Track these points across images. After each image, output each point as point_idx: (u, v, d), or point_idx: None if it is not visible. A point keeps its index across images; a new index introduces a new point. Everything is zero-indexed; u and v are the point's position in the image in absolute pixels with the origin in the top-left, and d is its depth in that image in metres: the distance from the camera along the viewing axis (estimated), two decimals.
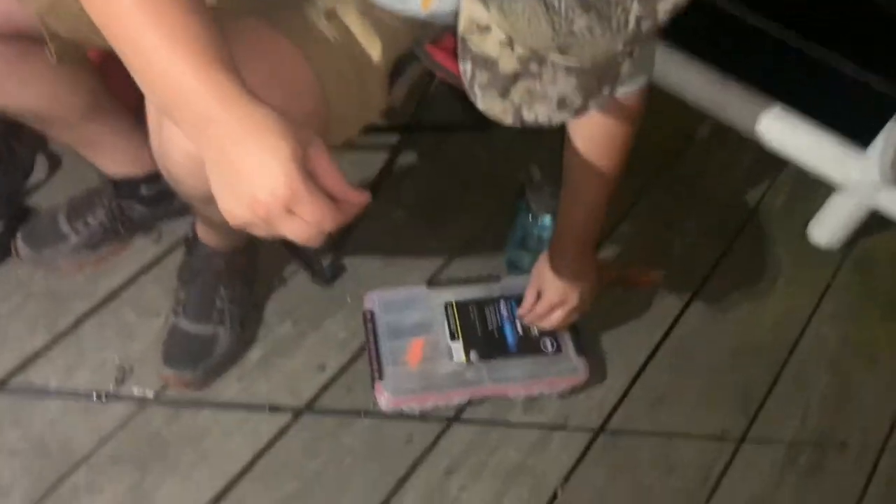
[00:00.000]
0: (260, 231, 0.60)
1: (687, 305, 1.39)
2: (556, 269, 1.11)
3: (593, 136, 0.96)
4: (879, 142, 1.31)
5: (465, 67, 0.67)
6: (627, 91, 0.90)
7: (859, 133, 1.36)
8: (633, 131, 0.96)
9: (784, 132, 1.38)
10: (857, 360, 1.39)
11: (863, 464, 1.28)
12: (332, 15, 0.82)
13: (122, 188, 1.21)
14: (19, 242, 1.22)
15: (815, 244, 1.52)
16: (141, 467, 1.09)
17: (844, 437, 1.29)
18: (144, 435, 1.12)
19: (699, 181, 1.57)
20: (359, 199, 0.61)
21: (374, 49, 0.84)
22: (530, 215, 1.25)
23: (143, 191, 1.22)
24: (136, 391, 1.14)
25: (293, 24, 0.76)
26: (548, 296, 1.14)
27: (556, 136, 1.00)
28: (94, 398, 1.09)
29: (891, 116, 1.30)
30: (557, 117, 0.69)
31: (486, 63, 0.65)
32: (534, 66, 0.64)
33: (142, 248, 1.29)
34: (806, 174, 1.43)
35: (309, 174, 0.57)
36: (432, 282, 1.29)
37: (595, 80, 0.66)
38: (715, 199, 1.55)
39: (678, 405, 1.27)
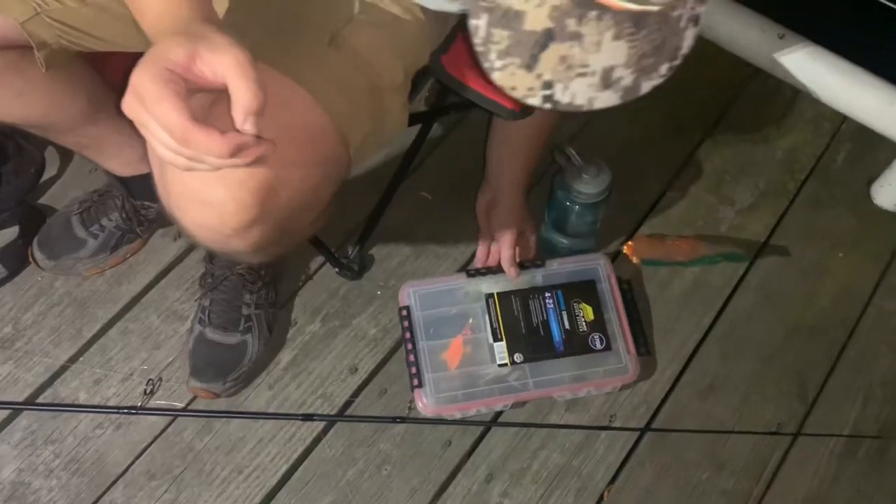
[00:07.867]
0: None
1: (739, 283, 1.30)
2: (499, 213, 1.18)
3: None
4: None
5: (478, 24, 0.51)
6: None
7: None
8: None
9: (848, 89, 1.24)
10: None
11: None
12: (337, 40, 0.71)
13: (134, 188, 1.15)
14: (36, 251, 1.17)
15: (880, 207, 1.40)
16: (176, 482, 1.07)
17: None
18: (178, 448, 1.10)
19: (751, 140, 1.45)
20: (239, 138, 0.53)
21: (391, 71, 0.74)
22: (567, 201, 1.16)
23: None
24: (165, 403, 1.12)
25: (299, 63, 0.67)
26: (506, 238, 1.17)
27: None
28: (125, 412, 1.08)
29: None
30: (601, 100, 0.53)
31: (506, 17, 0.50)
32: (571, 23, 0.49)
33: (161, 247, 1.24)
34: (869, 130, 1.29)
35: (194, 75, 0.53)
36: (469, 271, 1.21)
37: (651, 51, 0.51)
38: (769, 160, 1.43)
39: (729, 396, 1.20)
